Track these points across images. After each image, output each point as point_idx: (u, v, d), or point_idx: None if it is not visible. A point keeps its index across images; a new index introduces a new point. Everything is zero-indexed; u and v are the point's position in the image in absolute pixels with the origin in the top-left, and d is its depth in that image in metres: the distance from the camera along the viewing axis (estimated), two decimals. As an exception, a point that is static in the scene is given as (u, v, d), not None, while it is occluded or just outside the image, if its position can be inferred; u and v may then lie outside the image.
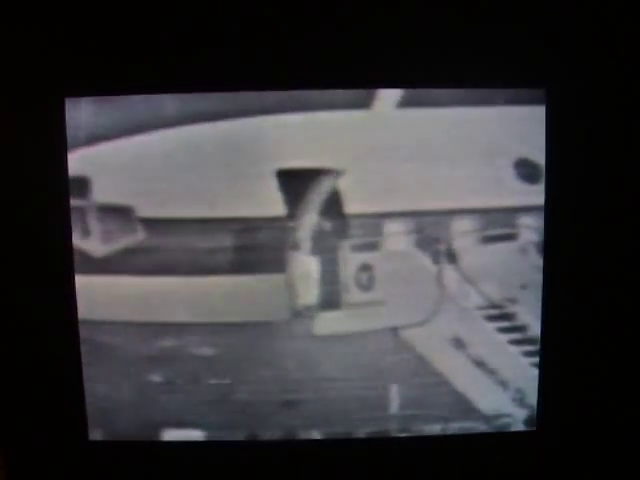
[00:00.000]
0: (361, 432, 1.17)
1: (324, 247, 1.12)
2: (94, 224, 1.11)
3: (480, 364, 1.15)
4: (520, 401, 1.17)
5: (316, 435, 1.16)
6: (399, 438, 1.17)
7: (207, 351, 1.14)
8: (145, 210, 1.11)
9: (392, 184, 1.11)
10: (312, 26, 1.08)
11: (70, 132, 1.09)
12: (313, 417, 1.16)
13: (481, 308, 1.14)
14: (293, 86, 1.09)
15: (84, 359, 1.13)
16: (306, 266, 1.13)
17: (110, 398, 1.15)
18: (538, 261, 1.13)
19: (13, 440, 1.17)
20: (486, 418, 1.17)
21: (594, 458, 1.17)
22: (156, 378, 1.14)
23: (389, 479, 1.18)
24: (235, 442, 1.16)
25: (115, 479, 1.18)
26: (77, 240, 1.11)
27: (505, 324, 1.15)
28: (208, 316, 1.13)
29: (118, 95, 1.09)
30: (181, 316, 1.13)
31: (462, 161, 1.11)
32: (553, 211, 1.12)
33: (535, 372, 1.16)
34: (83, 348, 1.13)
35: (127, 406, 1.15)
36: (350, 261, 1.13)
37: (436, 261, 1.13)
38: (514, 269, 1.14)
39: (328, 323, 1.14)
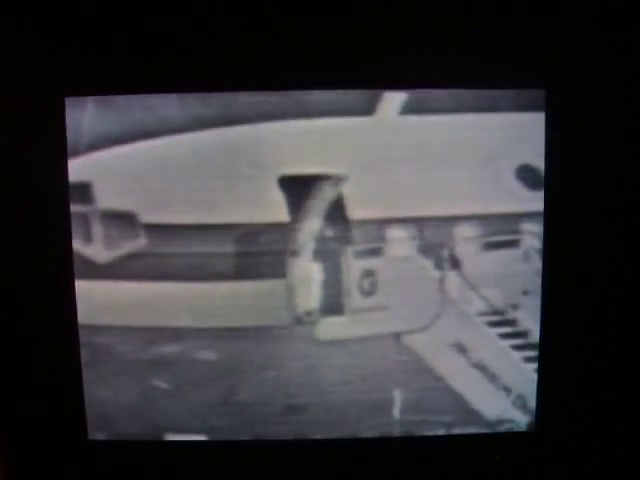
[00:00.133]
0: (363, 436, 1.17)
1: (327, 253, 1.13)
2: (97, 230, 1.11)
3: (482, 369, 1.16)
4: (522, 406, 1.17)
5: (318, 439, 1.17)
6: (401, 439, 1.17)
7: (209, 356, 1.14)
8: (148, 216, 1.11)
9: (395, 190, 1.11)
10: (314, 27, 1.08)
11: (71, 137, 1.09)
12: (315, 422, 1.16)
13: (483, 314, 1.15)
14: (294, 87, 1.09)
15: (84, 363, 1.13)
16: (309, 271, 1.13)
17: (111, 402, 1.14)
18: (540, 267, 1.14)
19: (13, 441, 1.16)
20: (488, 423, 1.18)
21: (593, 462, 1.18)
22: (157, 383, 1.14)
23: (391, 481, 1.19)
24: (236, 443, 1.16)
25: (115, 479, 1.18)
26: (80, 246, 1.11)
27: (507, 330, 1.15)
28: (211, 321, 1.13)
29: (118, 95, 1.08)
30: (184, 321, 1.13)
31: (464, 167, 1.12)
32: (553, 217, 1.12)
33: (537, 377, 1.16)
34: (84, 352, 1.13)
35: (127, 410, 1.15)
36: (353, 267, 1.13)
37: (438, 267, 1.13)
38: (516, 275, 1.14)
39: (331, 328, 1.14)
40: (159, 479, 1.18)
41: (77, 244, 1.11)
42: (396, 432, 1.17)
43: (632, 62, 1.10)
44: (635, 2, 1.09)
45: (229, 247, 1.11)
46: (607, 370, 1.16)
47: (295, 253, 1.12)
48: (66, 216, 1.10)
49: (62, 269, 1.11)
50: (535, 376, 1.16)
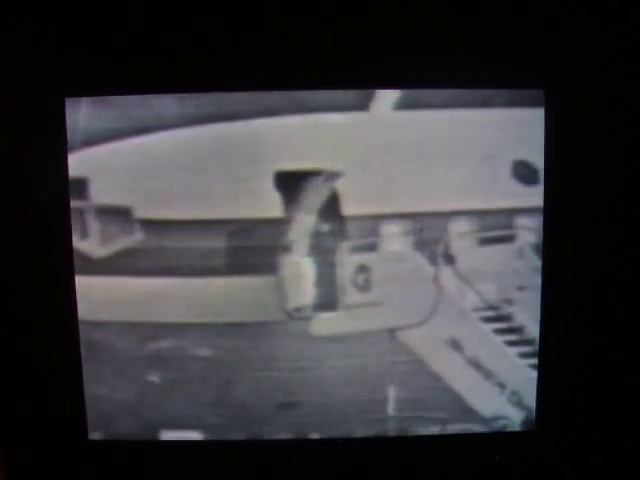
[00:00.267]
0: (359, 433, 1.17)
1: (322, 248, 1.13)
2: (93, 225, 1.11)
3: (477, 365, 1.15)
4: (517, 403, 1.17)
5: (314, 436, 1.17)
6: (396, 438, 1.17)
7: (206, 351, 1.14)
8: (143, 211, 1.11)
9: (390, 186, 1.11)
10: (311, 27, 1.08)
11: (69, 133, 1.09)
12: (310, 418, 1.16)
13: (478, 309, 1.14)
14: (291, 86, 1.09)
15: (83, 358, 1.13)
16: (304, 267, 1.13)
17: (108, 398, 1.15)
18: (535, 263, 1.13)
19: (12, 440, 1.17)
20: (483, 420, 1.17)
21: (593, 462, 1.17)
22: (153, 378, 1.15)
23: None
24: (234, 442, 1.17)
25: (115, 479, 1.18)
26: (76, 241, 1.11)
27: (502, 325, 1.15)
28: (207, 317, 1.13)
29: (118, 95, 1.09)
30: (181, 317, 1.13)
31: (460, 163, 1.11)
32: (551, 213, 1.12)
33: (532, 374, 1.15)
34: (81, 348, 1.13)
35: (124, 407, 1.15)
36: (347, 262, 1.13)
37: (433, 262, 1.13)
38: (511, 271, 1.13)
39: (325, 324, 1.14)
40: (158, 479, 1.18)
41: (74, 240, 1.11)
42: (391, 428, 1.17)
43: (631, 60, 1.10)
44: (635, 2, 1.08)
45: (225, 242, 1.12)
46: (607, 368, 1.15)
47: (290, 248, 1.12)
48: (66, 213, 1.10)
49: (62, 266, 1.11)
50: (530, 372, 1.16)
